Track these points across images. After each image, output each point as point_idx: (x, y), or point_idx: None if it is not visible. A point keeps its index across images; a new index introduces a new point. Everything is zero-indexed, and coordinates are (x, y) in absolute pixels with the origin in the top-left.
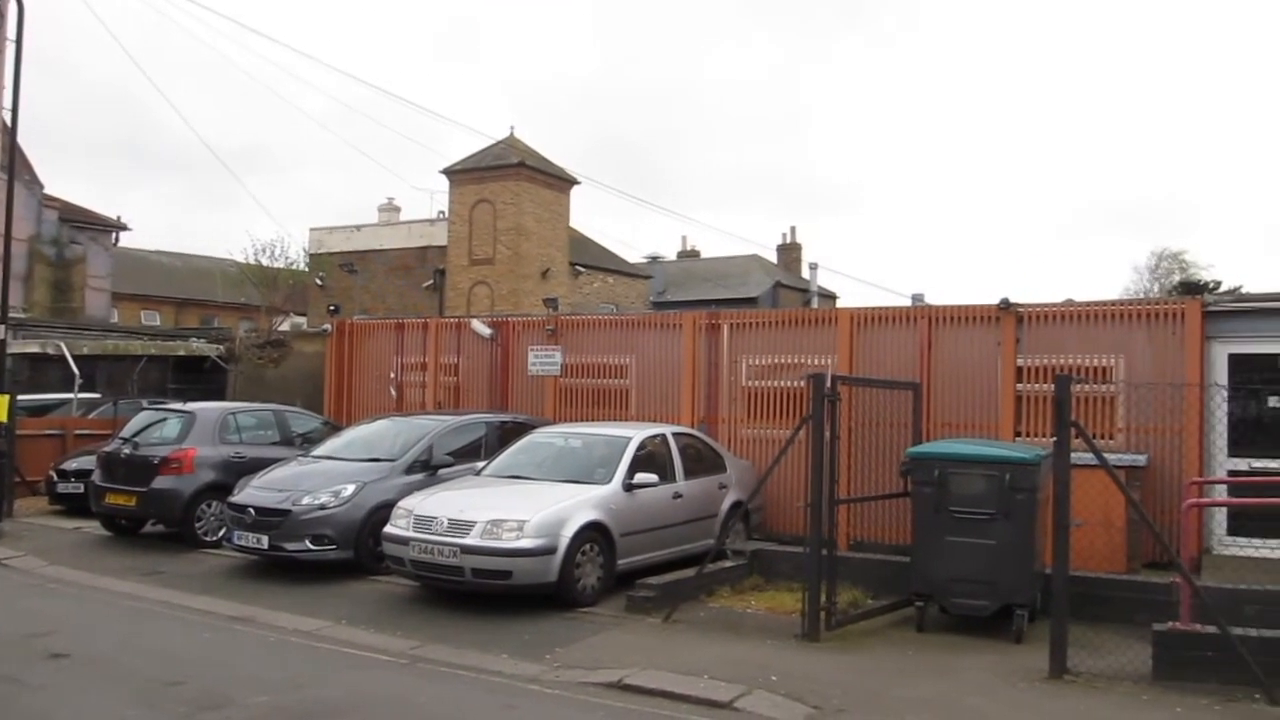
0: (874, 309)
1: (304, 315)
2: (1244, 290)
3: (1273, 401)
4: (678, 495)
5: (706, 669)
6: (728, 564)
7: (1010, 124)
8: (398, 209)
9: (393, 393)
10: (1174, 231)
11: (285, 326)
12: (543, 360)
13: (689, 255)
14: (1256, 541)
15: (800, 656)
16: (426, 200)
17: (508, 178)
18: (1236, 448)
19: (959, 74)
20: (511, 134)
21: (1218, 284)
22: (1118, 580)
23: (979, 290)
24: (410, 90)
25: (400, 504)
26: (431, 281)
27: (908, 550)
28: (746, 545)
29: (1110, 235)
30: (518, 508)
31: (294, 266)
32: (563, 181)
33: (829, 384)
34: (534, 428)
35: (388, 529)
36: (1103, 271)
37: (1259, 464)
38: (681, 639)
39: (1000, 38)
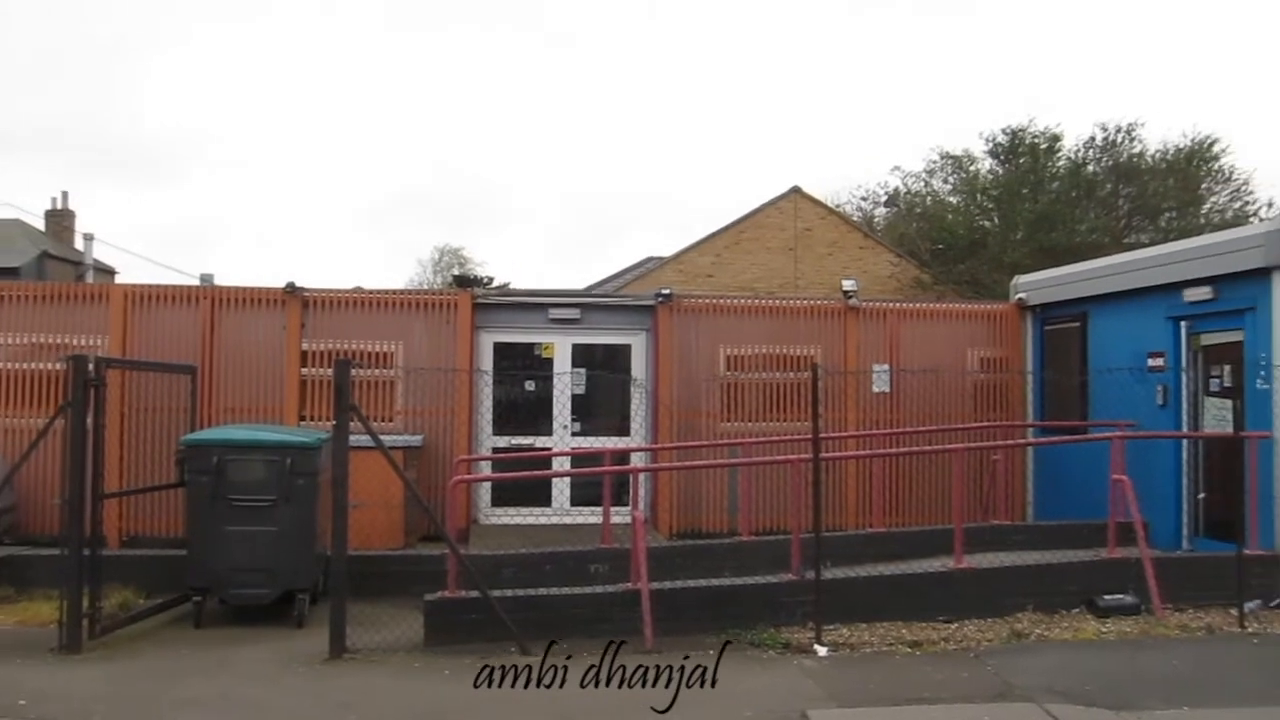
0: (152, 286)
1: None
2: (510, 286)
3: (529, 386)
4: None
5: None
6: None
7: (314, 114)
8: None
9: None
10: (458, 229)
11: None
12: None
13: None
14: (514, 511)
15: (58, 672)
16: None
17: None
18: (500, 426)
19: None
20: None
21: (490, 279)
22: (396, 556)
23: (277, 275)
24: None
25: None
26: None
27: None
28: None
29: (405, 228)
30: None
31: None
32: None
33: (93, 367)
34: None
35: None
36: (396, 263)
37: (517, 440)
38: None
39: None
